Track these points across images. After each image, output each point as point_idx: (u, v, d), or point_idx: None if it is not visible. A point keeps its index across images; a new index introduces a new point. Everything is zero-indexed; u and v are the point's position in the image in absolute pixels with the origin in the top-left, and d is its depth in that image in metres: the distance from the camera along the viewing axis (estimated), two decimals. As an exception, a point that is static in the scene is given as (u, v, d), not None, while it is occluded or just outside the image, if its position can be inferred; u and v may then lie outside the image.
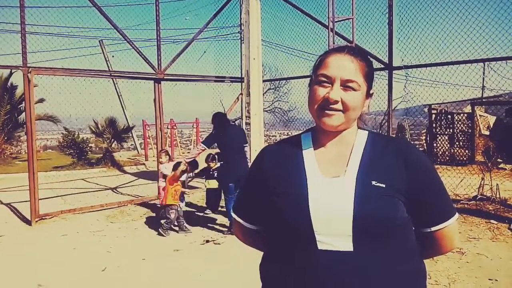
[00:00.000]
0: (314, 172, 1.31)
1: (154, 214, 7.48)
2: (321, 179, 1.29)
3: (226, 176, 6.33)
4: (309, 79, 1.42)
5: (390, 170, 1.29)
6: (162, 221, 6.32)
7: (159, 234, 6.22)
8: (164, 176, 7.10)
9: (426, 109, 14.40)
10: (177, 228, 6.43)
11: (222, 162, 6.70)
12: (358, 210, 1.20)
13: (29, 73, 6.89)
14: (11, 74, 15.57)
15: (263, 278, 1.41)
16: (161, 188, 7.26)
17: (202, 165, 7.56)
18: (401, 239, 1.26)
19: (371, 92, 1.38)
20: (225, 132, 6.40)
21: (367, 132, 1.41)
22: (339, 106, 1.28)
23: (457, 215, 1.38)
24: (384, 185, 1.24)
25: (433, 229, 1.34)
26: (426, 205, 1.32)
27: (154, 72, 8.64)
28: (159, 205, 7.05)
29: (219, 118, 6.58)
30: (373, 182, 1.25)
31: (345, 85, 1.28)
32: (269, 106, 22.34)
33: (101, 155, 15.39)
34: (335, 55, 1.32)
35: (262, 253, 1.47)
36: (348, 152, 1.34)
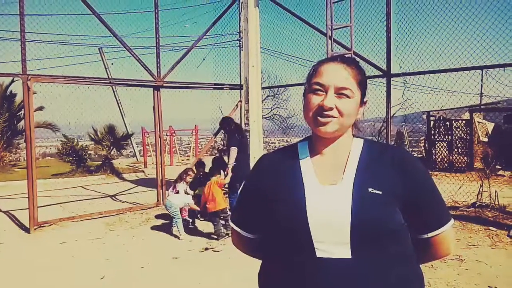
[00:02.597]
0: (312, 180, 1.33)
1: (153, 222, 7.47)
2: (319, 186, 1.30)
3: (242, 176, 6.76)
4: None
5: (387, 177, 1.30)
6: (217, 228, 6.35)
7: (218, 236, 6.25)
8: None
9: (424, 116, 14.43)
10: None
11: (235, 163, 7.02)
12: (356, 217, 1.21)
13: (28, 80, 6.91)
14: (11, 82, 15.60)
15: (261, 287, 1.42)
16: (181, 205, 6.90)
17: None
18: (398, 245, 1.27)
19: (365, 99, 1.41)
20: (244, 136, 7.28)
21: (362, 139, 1.43)
22: (334, 113, 1.30)
23: (452, 220, 1.40)
24: (380, 192, 1.26)
25: (429, 235, 1.35)
26: (422, 212, 1.33)
27: (153, 79, 8.66)
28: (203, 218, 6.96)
29: (235, 123, 7.54)
30: (370, 189, 1.26)
31: (339, 92, 1.31)
32: (268, 113, 22.37)
33: (100, 162, 15.37)
34: (328, 64, 1.35)
35: (261, 261, 1.47)
36: (344, 160, 1.36)
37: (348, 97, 1.31)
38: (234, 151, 7.00)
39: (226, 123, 7.49)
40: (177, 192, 6.95)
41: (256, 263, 1.48)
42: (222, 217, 6.49)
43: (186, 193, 7.05)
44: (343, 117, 1.31)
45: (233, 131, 7.30)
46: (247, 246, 1.58)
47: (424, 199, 1.33)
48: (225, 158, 7.53)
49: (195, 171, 7.66)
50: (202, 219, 7.34)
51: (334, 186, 1.29)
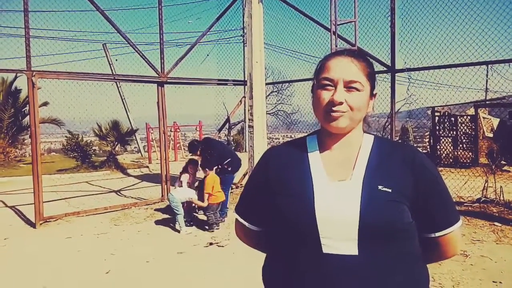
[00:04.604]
0: (320, 175, 1.31)
1: (158, 217, 7.50)
2: (327, 182, 1.29)
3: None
4: (311, 82, 1.42)
5: (397, 175, 1.29)
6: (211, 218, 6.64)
7: (210, 227, 6.61)
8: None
9: (429, 112, 14.38)
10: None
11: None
12: (364, 214, 1.20)
13: (33, 76, 6.94)
14: (15, 78, 15.68)
15: (265, 281, 1.41)
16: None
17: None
18: (405, 244, 1.26)
19: (374, 92, 1.39)
20: (214, 146, 7.58)
21: (373, 136, 1.41)
22: (344, 107, 1.28)
23: (461, 221, 1.38)
24: (390, 190, 1.24)
25: (437, 234, 1.34)
26: (431, 211, 1.32)
27: (157, 75, 8.67)
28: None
29: (201, 142, 7.80)
30: (380, 187, 1.25)
31: (348, 86, 1.29)
32: (272, 109, 22.38)
33: (105, 158, 15.44)
34: (335, 58, 1.33)
35: (265, 255, 1.47)
36: (354, 156, 1.34)
37: (358, 90, 1.29)
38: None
39: (194, 148, 7.50)
40: (181, 185, 6.99)
41: (261, 259, 1.48)
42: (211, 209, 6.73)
43: (189, 186, 7.08)
44: (353, 111, 1.29)
45: (204, 152, 7.42)
46: (251, 238, 1.57)
47: (434, 199, 1.32)
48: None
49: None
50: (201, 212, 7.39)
51: (343, 182, 1.28)
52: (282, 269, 1.31)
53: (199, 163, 7.36)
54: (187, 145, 8.07)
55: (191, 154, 7.68)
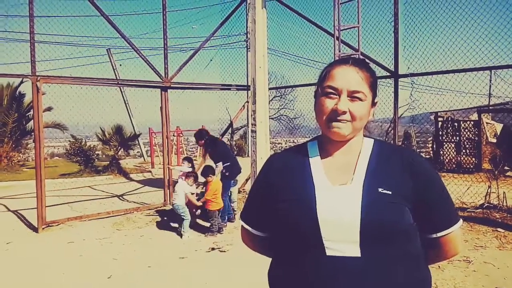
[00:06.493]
0: (322, 180, 1.34)
1: (160, 222, 7.50)
2: (329, 186, 1.32)
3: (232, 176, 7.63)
4: (314, 87, 1.45)
5: (396, 178, 1.32)
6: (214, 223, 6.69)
7: (212, 234, 6.60)
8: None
9: (432, 117, 14.35)
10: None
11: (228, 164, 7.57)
12: (366, 216, 1.23)
13: (37, 81, 6.97)
14: (21, 83, 15.74)
15: (271, 285, 1.43)
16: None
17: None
18: (407, 245, 1.29)
19: (375, 100, 1.42)
20: (218, 144, 7.79)
21: (372, 140, 1.44)
22: (347, 116, 1.32)
23: (461, 221, 1.42)
24: (390, 192, 1.27)
25: (438, 235, 1.37)
26: (431, 212, 1.35)
27: (161, 80, 8.70)
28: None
29: (209, 135, 7.88)
30: (380, 189, 1.28)
31: (352, 96, 1.32)
32: (275, 114, 22.39)
33: (108, 162, 15.43)
34: (340, 67, 1.36)
35: (270, 260, 1.49)
36: (354, 160, 1.37)
37: (361, 100, 1.33)
38: (219, 166, 7.45)
39: (201, 136, 7.72)
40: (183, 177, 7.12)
41: (263, 263, 1.48)
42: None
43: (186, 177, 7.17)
44: (355, 120, 1.33)
45: (207, 146, 7.64)
46: (257, 243, 1.60)
47: (433, 200, 1.35)
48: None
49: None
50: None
51: (344, 186, 1.31)
52: (287, 273, 1.34)
53: (200, 166, 7.39)
54: (196, 132, 8.10)
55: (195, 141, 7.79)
